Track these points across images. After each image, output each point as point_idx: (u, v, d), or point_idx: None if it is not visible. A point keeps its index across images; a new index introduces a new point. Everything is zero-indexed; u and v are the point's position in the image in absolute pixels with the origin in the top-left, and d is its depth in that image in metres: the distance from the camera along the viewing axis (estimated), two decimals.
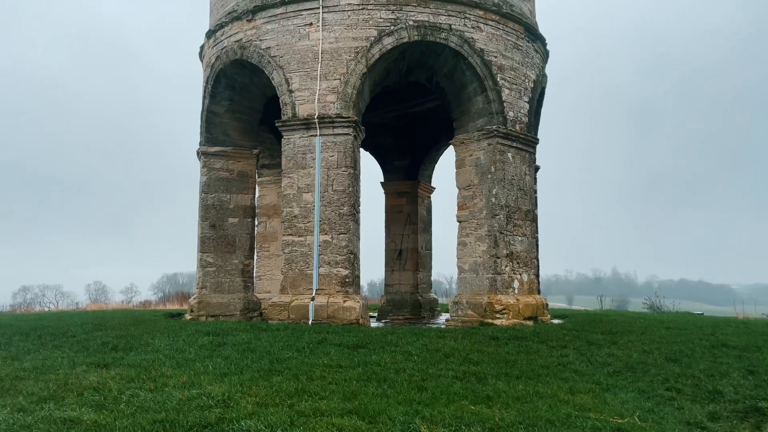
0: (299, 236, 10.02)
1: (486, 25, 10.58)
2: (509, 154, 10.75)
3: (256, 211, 12.98)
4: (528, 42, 11.30)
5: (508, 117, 10.68)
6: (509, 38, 10.89)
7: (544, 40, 11.97)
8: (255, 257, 12.74)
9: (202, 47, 12.21)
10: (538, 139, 11.56)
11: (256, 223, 13.25)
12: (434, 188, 16.45)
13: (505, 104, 10.66)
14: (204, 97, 11.78)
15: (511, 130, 10.71)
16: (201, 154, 11.82)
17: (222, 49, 11.13)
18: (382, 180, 16.18)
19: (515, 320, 10.03)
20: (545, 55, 12.19)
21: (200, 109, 11.89)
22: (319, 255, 9.84)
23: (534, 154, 11.43)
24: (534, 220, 11.30)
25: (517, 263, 10.62)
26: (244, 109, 11.92)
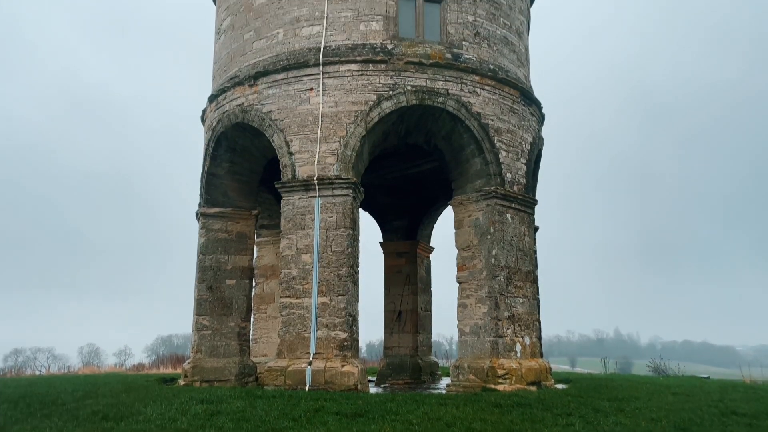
0: (297, 298, 9.88)
1: (482, 89, 10.84)
2: (508, 215, 10.77)
3: (254, 272, 12.87)
4: (524, 106, 11.55)
5: (505, 178, 10.77)
6: (505, 102, 11.13)
7: (540, 103, 12.25)
8: (252, 319, 12.53)
9: (204, 111, 12.45)
10: (536, 200, 11.62)
11: (254, 284, 13.12)
12: (433, 248, 16.41)
13: (502, 166, 10.77)
14: (204, 159, 11.91)
15: (509, 191, 10.78)
16: (200, 215, 11.83)
17: (224, 112, 11.35)
18: (381, 240, 16.16)
19: (518, 385, 9.75)
20: (541, 119, 12.44)
21: (200, 171, 12.00)
22: (317, 317, 9.68)
23: (533, 215, 11.46)
24: (534, 281, 11.20)
25: (519, 326, 10.44)
26: (244, 170, 12.04)
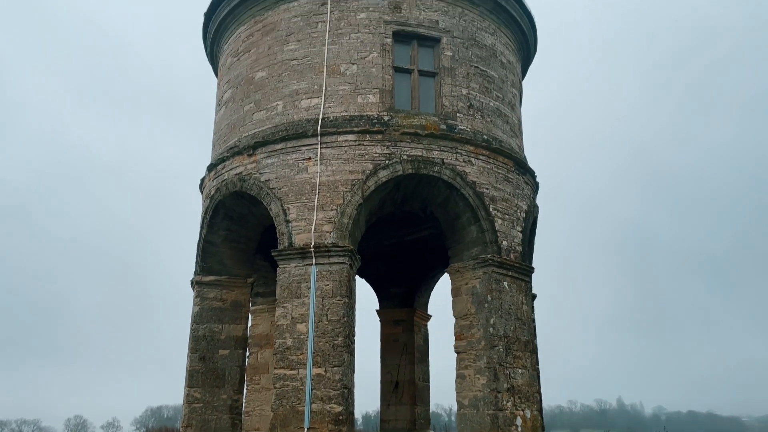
0: (291, 369, 9.64)
1: (477, 159, 11.05)
2: (505, 283, 10.72)
3: (248, 341, 12.63)
4: (518, 174, 11.74)
5: (502, 246, 10.80)
6: (500, 171, 11.32)
7: (534, 172, 12.46)
8: (245, 391, 12.17)
9: (202, 180, 12.61)
10: (533, 268, 11.60)
11: (247, 354, 12.84)
12: (431, 316, 16.20)
13: (498, 234, 10.82)
14: (201, 227, 11.95)
15: (505, 259, 10.78)
16: (195, 283, 11.74)
17: (222, 181, 11.49)
18: (378, 308, 15.98)
19: None
20: (535, 187, 12.61)
21: (197, 239, 12.01)
22: (312, 390, 9.41)
23: (530, 282, 11.41)
24: (534, 351, 11.00)
25: (519, 398, 10.16)
26: (241, 238, 12.05)
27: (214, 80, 14.02)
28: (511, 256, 10.94)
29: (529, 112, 13.81)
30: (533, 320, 11.37)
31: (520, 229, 11.33)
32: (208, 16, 13.01)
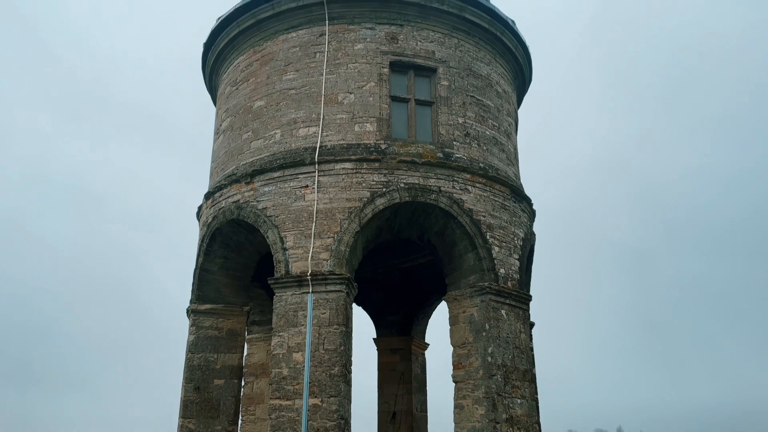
0: (287, 400, 9.51)
1: (473, 187, 11.10)
2: (503, 311, 10.66)
3: (244, 370, 12.48)
4: (514, 202, 11.78)
5: (499, 274, 10.77)
6: (496, 199, 11.36)
7: (530, 200, 12.51)
8: (240, 422, 11.98)
9: (199, 208, 12.62)
10: (530, 296, 11.55)
11: (243, 383, 12.67)
12: (428, 344, 16.06)
13: (495, 261, 10.81)
14: (198, 255, 11.91)
15: (503, 287, 10.74)
16: (191, 312, 11.65)
17: (219, 209, 11.50)
18: (375, 336, 15.84)
19: None
20: (532, 215, 12.65)
21: (193, 267, 11.96)
22: (308, 421, 9.27)
23: (528, 311, 11.35)
24: (532, 380, 10.89)
25: (518, 428, 10.01)
26: (237, 266, 12.01)
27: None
28: (509, 284, 10.90)
29: (520, 135, 13.90)
30: (531, 349, 11.28)
31: (517, 257, 11.32)
32: (207, 46, 13.19)
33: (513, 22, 12.81)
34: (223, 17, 12.49)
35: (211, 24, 12.90)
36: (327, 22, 11.44)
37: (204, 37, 13.12)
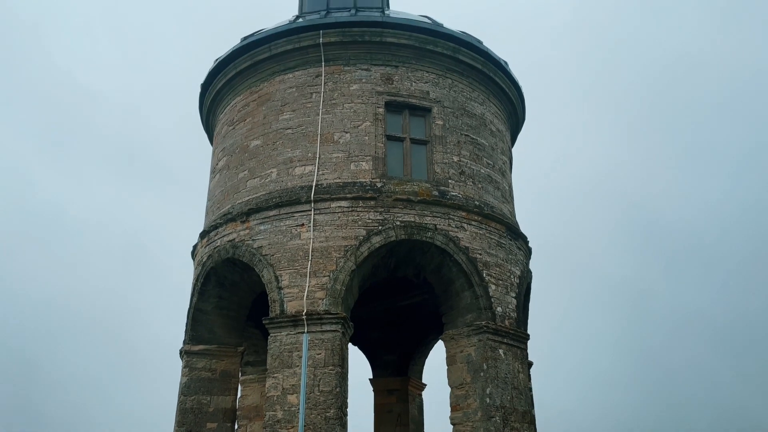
0: None
1: (469, 224, 11.10)
2: (500, 351, 10.53)
3: (237, 413, 12.20)
4: (510, 240, 11.78)
5: (496, 312, 10.68)
6: (492, 237, 11.36)
7: (526, 238, 12.51)
8: None
9: (194, 247, 12.56)
10: (528, 335, 11.43)
11: (236, 427, 12.37)
12: (425, 385, 15.80)
13: (492, 300, 10.73)
14: (192, 295, 11.79)
15: (500, 325, 10.64)
16: (184, 353, 11.46)
17: (215, 248, 11.44)
18: (371, 376, 15.58)
19: None
20: (528, 252, 12.63)
21: (187, 306, 11.83)
22: None
23: (526, 350, 11.21)
24: (532, 421, 10.67)
25: None
26: (232, 305, 11.88)
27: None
28: (506, 322, 10.80)
29: (517, 170, 13.99)
30: (530, 389, 11.09)
31: (514, 295, 11.25)
32: (205, 86, 13.37)
33: (506, 63, 13.07)
34: (221, 59, 12.70)
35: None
36: (323, 63, 11.64)
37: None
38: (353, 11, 12.76)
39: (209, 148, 14.19)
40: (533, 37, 55.46)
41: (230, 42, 12.76)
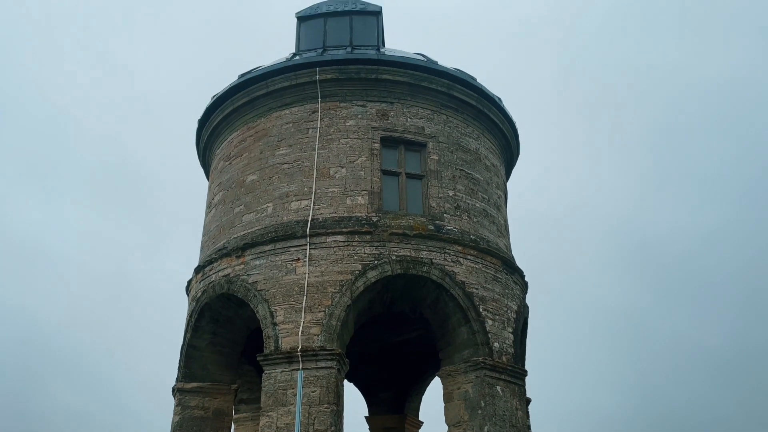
0: None
1: (465, 259, 11.08)
2: (498, 388, 10.38)
3: None
4: (506, 274, 11.75)
5: (493, 348, 10.57)
6: (488, 271, 11.32)
7: (522, 272, 12.48)
8: None
9: (189, 282, 12.47)
10: (526, 371, 11.30)
11: None
12: (422, 422, 15.51)
13: (489, 335, 10.63)
14: (186, 331, 11.65)
15: (497, 361, 10.51)
16: (177, 390, 11.25)
17: (209, 283, 11.36)
18: (367, 414, 15.30)
19: None
20: (524, 287, 12.59)
21: (180, 343, 11.68)
22: None
23: (523, 386, 11.06)
24: None
25: None
26: (226, 342, 11.73)
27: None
28: (503, 358, 10.68)
29: (510, 205, 14.01)
30: (529, 426, 10.91)
31: (511, 330, 11.16)
32: (202, 122, 13.49)
33: (500, 99, 13.28)
34: (219, 95, 12.85)
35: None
36: (320, 99, 11.79)
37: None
38: (349, 49, 13.00)
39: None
40: (514, 61, 56.33)
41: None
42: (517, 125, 13.87)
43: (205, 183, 14.34)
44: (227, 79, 12.95)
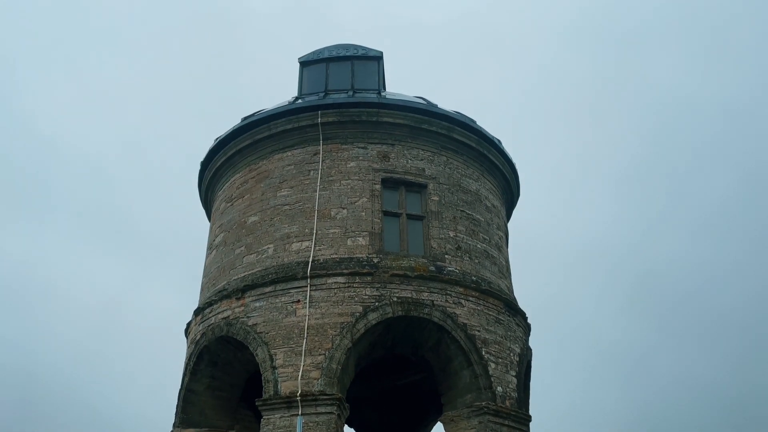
0: None
1: (467, 300, 10.99)
2: None
3: None
4: (509, 316, 11.63)
5: (496, 392, 10.37)
6: (490, 313, 11.21)
7: (525, 314, 12.36)
8: None
9: (188, 324, 12.35)
10: (530, 416, 11.06)
11: None
12: None
13: (492, 379, 10.45)
14: (184, 375, 11.47)
15: (501, 406, 10.30)
16: None
17: (209, 326, 11.25)
18: None
19: None
20: (527, 329, 12.44)
21: (179, 387, 11.49)
22: None
23: None
24: None
25: None
26: (224, 386, 11.53)
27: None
28: (507, 403, 10.46)
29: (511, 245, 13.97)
30: None
31: (514, 374, 10.97)
32: (205, 164, 13.61)
33: (499, 141, 13.42)
34: (222, 138, 13.01)
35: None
36: (321, 142, 11.93)
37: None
38: (351, 92, 13.23)
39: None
40: (517, 103, 57.00)
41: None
42: (519, 164, 14.00)
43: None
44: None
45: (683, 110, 49.72)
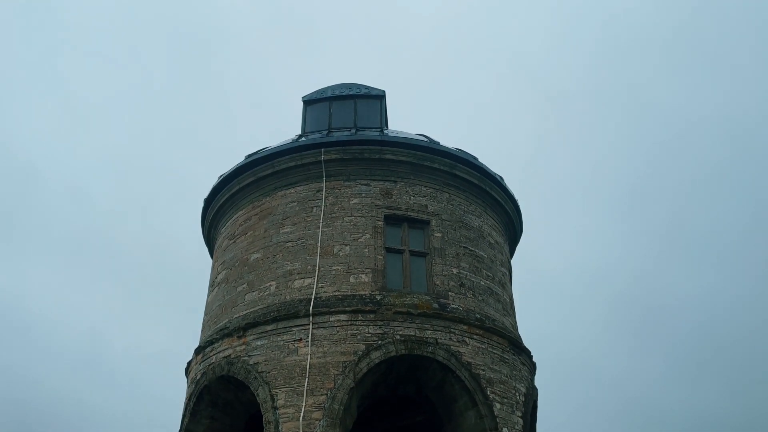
0: None
1: (471, 338, 10.84)
2: None
3: None
4: (514, 355, 11.45)
5: None
6: (495, 351, 11.04)
7: (530, 352, 12.16)
8: None
9: (189, 363, 12.18)
10: None
11: None
12: None
13: (498, 419, 10.21)
14: (184, 416, 11.25)
15: None
16: None
17: (209, 365, 11.09)
18: None
19: None
20: (533, 368, 12.23)
21: (178, 428, 11.24)
22: None
23: None
24: None
25: None
26: (225, 427, 11.29)
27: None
28: None
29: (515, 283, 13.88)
30: None
31: (520, 414, 10.73)
32: (208, 201, 13.66)
33: (501, 178, 13.47)
34: (225, 175, 13.09)
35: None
36: (324, 179, 11.99)
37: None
38: (354, 130, 13.36)
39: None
40: (517, 136, 57.31)
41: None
42: (523, 199, 14.04)
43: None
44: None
45: (689, 135, 49.90)
